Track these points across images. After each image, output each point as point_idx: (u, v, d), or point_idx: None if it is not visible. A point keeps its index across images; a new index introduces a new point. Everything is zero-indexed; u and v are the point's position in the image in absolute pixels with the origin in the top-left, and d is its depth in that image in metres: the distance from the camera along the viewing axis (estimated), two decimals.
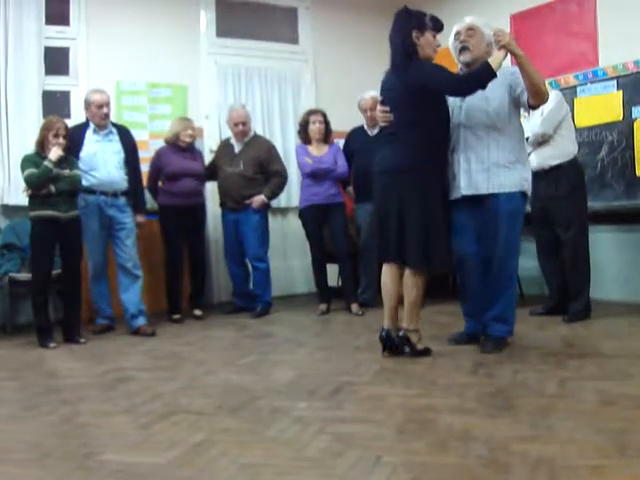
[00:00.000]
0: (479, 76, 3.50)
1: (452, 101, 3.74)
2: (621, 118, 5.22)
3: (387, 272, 3.71)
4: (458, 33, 3.76)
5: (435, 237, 3.57)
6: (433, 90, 3.57)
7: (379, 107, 3.75)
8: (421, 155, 3.56)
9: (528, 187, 3.76)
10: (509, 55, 3.58)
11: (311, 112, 5.68)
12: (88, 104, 5.00)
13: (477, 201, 3.72)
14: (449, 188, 3.79)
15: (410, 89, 3.56)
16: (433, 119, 3.62)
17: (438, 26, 3.66)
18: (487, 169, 3.66)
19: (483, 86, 3.50)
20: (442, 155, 3.71)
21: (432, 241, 3.56)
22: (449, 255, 3.71)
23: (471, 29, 3.73)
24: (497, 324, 3.77)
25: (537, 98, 3.62)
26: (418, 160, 3.56)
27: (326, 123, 5.62)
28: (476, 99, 3.65)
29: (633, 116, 5.14)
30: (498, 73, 3.49)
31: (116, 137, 5.07)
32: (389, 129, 3.70)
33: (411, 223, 3.56)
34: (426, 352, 3.67)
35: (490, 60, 3.49)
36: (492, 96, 3.64)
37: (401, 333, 3.64)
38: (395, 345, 3.64)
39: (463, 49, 3.73)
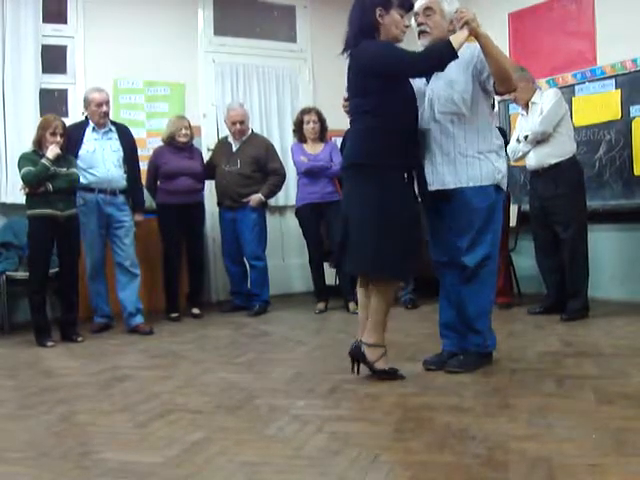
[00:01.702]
0: (438, 56, 3.05)
1: (418, 91, 3.30)
2: (619, 117, 5.22)
3: (359, 281, 3.34)
4: (417, 14, 3.29)
5: (386, 241, 3.11)
6: (384, 72, 3.11)
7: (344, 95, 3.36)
8: (374, 147, 3.13)
9: (502, 180, 3.31)
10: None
11: (305, 111, 5.67)
12: (87, 102, 5.00)
13: (446, 198, 3.29)
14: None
15: (360, 72, 3.16)
16: (390, 105, 3.12)
17: (407, 4, 3.21)
18: (453, 161, 3.24)
19: (442, 67, 3.09)
20: (403, 146, 3.17)
21: (383, 246, 3.11)
22: (410, 262, 3.22)
23: (429, 8, 3.25)
24: (471, 336, 3.36)
25: (505, 84, 3.19)
26: (370, 152, 3.14)
27: (321, 121, 5.61)
28: (440, 83, 3.25)
29: (631, 115, 5.14)
30: (464, 52, 3.13)
31: (115, 135, 5.08)
32: (350, 118, 3.31)
33: (358, 225, 3.15)
34: (389, 374, 3.20)
35: (452, 38, 3.05)
36: (457, 79, 3.23)
37: (360, 347, 3.22)
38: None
39: (421, 32, 3.28)
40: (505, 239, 5.37)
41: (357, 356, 3.23)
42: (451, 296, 3.44)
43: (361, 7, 3.19)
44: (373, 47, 3.15)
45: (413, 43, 3.34)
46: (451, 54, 3.03)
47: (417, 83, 3.33)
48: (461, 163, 3.25)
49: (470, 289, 3.29)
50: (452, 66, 3.13)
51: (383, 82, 3.13)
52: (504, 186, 3.36)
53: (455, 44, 3.02)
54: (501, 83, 3.19)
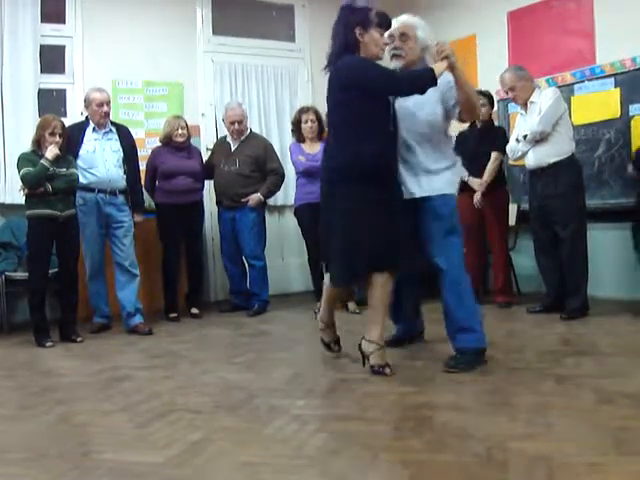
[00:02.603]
0: (423, 80, 3.24)
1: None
2: (618, 116, 5.21)
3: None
4: (392, 36, 3.49)
5: (344, 244, 3.35)
6: (366, 85, 3.25)
7: None
8: (344, 159, 3.31)
9: (456, 188, 3.62)
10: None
11: (303, 110, 5.65)
12: (88, 102, 5.00)
13: (414, 206, 3.50)
14: None
15: (340, 85, 3.31)
16: (364, 120, 3.28)
17: (385, 22, 3.38)
18: (416, 174, 3.49)
19: (423, 91, 3.26)
20: (374, 158, 3.30)
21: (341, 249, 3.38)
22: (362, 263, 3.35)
23: (404, 34, 3.48)
24: (462, 335, 3.43)
25: (470, 114, 3.58)
26: (340, 164, 3.34)
27: (319, 120, 5.60)
28: (409, 103, 3.43)
29: (630, 114, 5.13)
30: None
31: (115, 136, 5.07)
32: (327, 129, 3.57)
33: (334, 231, 3.41)
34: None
35: (434, 67, 3.27)
36: (425, 101, 3.40)
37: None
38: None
39: (395, 56, 3.50)
40: (504, 238, 5.38)
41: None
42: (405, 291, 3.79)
43: (342, 26, 3.35)
44: (357, 61, 3.32)
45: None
46: (433, 81, 3.23)
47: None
48: (424, 177, 3.49)
49: (453, 293, 3.43)
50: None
51: (361, 95, 3.26)
52: (455, 192, 3.62)
53: (436, 73, 3.23)
54: (466, 112, 3.51)
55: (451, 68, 3.29)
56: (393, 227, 3.33)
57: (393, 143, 3.43)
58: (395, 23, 3.50)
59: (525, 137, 4.74)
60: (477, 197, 5.23)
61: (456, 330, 3.44)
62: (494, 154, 5.23)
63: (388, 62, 3.49)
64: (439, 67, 3.26)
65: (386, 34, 3.45)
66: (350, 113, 3.30)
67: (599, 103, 5.33)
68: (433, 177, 3.48)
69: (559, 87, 5.25)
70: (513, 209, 5.66)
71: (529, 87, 4.80)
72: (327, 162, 3.53)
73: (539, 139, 4.68)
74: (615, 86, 5.24)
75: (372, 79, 3.26)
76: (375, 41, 3.34)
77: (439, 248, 3.45)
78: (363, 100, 3.27)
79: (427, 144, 3.48)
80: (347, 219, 3.33)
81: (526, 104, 4.83)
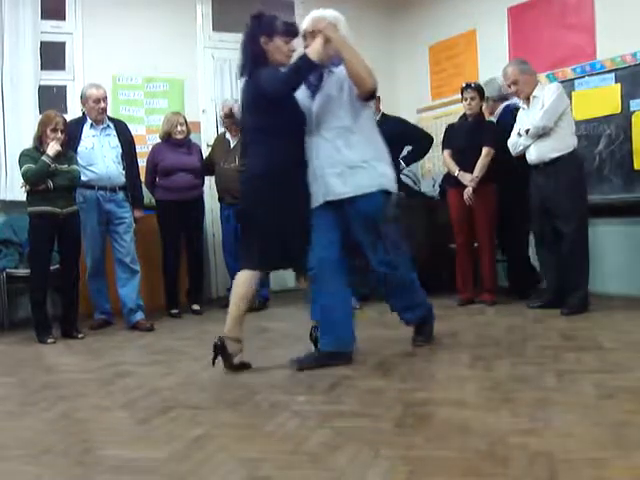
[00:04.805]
0: (296, 70, 3.32)
1: (304, 108, 3.54)
2: (619, 111, 5.20)
3: (245, 277, 3.57)
4: (303, 36, 3.53)
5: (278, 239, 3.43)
6: (267, 95, 3.35)
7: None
8: (268, 160, 3.40)
9: (388, 183, 3.50)
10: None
11: None
12: (85, 99, 5.00)
13: (339, 206, 3.47)
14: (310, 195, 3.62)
15: (254, 96, 3.46)
16: (281, 124, 3.41)
17: (291, 30, 3.50)
18: (341, 173, 3.41)
19: (303, 78, 3.35)
20: (294, 159, 3.46)
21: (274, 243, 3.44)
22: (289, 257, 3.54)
23: (314, 32, 3.44)
24: (413, 311, 3.69)
25: (359, 87, 3.38)
26: (265, 165, 3.41)
27: None
28: (323, 99, 3.48)
29: (631, 109, 5.12)
30: (340, 70, 3.41)
31: (113, 131, 5.07)
32: (245, 136, 3.69)
33: (255, 226, 3.46)
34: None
35: (307, 50, 3.32)
36: (337, 94, 3.46)
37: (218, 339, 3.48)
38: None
39: None
40: (492, 237, 5.33)
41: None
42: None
43: (249, 36, 3.48)
44: (260, 75, 3.39)
45: None
46: (308, 65, 3.28)
47: (303, 101, 3.52)
48: (348, 174, 3.41)
49: (399, 288, 3.59)
50: (332, 82, 3.44)
51: (274, 104, 3.37)
52: (393, 189, 3.53)
53: (312, 54, 3.27)
54: (356, 86, 3.39)
55: (329, 40, 3.30)
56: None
57: (301, 146, 3.52)
58: (304, 23, 3.55)
59: (527, 131, 4.72)
60: (468, 193, 5.18)
61: (409, 310, 3.69)
62: (485, 149, 5.19)
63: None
64: (314, 46, 3.30)
65: (300, 35, 3.53)
66: (266, 120, 3.40)
67: (600, 98, 5.32)
68: (357, 173, 3.41)
69: (560, 82, 5.23)
70: None
71: (532, 81, 4.78)
72: (250, 170, 3.55)
73: (541, 134, 4.67)
74: (616, 81, 5.23)
75: (265, 88, 3.35)
76: (279, 49, 3.43)
77: (373, 250, 3.47)
78: (275, 108, 3.38)
79: (349, 137, 3.43)
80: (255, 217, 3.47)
81: (528, 98, 4.82)
